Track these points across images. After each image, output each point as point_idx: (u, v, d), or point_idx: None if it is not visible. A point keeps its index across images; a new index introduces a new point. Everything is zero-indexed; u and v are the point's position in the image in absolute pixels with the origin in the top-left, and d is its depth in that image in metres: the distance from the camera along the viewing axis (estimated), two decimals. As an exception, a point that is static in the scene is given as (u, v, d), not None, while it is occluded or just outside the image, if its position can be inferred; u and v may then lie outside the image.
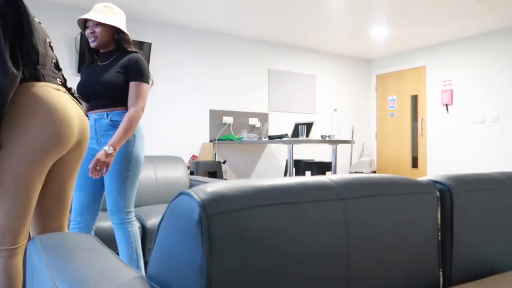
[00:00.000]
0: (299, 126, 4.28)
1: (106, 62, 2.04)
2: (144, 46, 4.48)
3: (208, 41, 5.12)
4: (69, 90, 1.44)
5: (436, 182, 1.00)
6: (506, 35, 5.07)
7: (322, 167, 4.90)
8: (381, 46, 5.89)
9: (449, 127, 5.66)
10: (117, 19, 2.03)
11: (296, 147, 5.81)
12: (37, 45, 1.31)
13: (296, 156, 5.87)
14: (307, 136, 4.28)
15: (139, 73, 1.99)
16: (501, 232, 1.07)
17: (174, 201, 0.70)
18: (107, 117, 1.98)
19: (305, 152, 5.94)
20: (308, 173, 5.01)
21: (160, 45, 4.75)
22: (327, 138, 4.14)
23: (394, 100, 6.42)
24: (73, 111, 1.36)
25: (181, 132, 4.91)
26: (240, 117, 5.32)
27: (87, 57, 2.12)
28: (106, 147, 1.84)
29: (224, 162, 5.03)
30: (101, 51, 2.09)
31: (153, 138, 4.71)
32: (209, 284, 0.62)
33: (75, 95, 1.46)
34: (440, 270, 0.95)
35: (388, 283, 0.84)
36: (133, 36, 4.55)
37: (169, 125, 4.81)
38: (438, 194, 0.95)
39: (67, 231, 1.55)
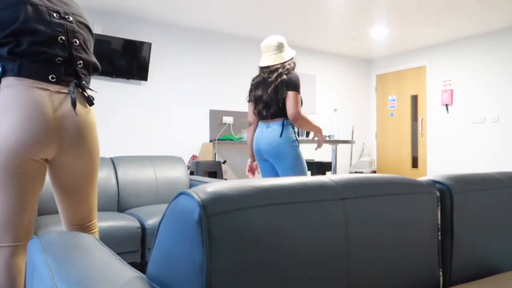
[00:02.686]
0: (299, 126, 4.27)
1: None
2: (144, 46, 4.48)
3: (208, 41, 5.12)
4: (79, 88, 1.45)
5: (436, 182, 1.00)
6: (506, 35, 5.07)
7: (322, 167, 4.90)
8: (381, 46, 5.89)
9: (449, 127, 5.66)
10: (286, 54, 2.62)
11: (296, 147, 5.81)
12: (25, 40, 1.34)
13: (296, 156, 5.86)
14: (307, 136, 4.28)
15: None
16: (501, 232, 1.07)
17: (174, 201, 0.70)
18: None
19: (305, 152, 5.94)
20: (308, 173, 5.01)
21: (160, 45, 4.75)
22: (327, 138, 4.14)
23: (394, 100, 6.42)
24: (44, 111, 1.33)
25: (181, 132, 4.91)
26: (240, 117, 5.32)
27: None
28: None
29: (224, 162, 5.03)
30: None
31: (153, 138, 4.71)
32: (209, 284, 0.62)
33: (87, 97, 1.47)
34: (440, 270, 0.95)
35: (388, 283, 0.84)
36: (133, 36, 4.56)
37: (169, 125, 4.81)
38: (438, 194, 0.95)
39: (95, 230, 1.61)
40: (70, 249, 0.97)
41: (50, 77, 1.35)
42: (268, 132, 2.58)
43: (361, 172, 6.00)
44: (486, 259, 1.04)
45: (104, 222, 2.47)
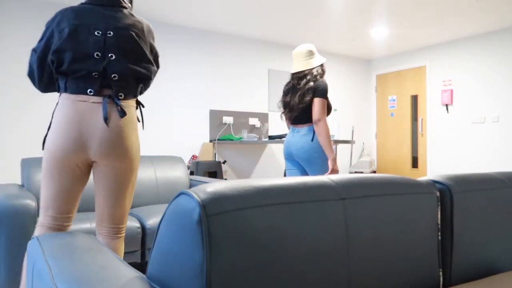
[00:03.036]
0: (299, 126, 4.28)
1: None
2: (144, 46, 4.48)
3: (208, 41, 5.12)
4: (114, 100, 1.58)
5: (436, 182, 1.00)
6: (506, 35, 5.07)
7: (322, 167, 4.89)
8: (381, 46, 5.89)
9: (449, 127, 5.66)
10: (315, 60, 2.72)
11: (296, 147, 5.81)
12: (67, 64, 1.55)
13: (296, 156, 5.86)
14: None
15: None
16: (501, 232, 1.07)
17: (174, 201, 0.70)
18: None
19: (305, 152, 5.94)
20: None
21: (160, 45, 4.75)
22: (327, 138, 4.14)
23: (394, 100, 6.42)
24: (86, 120, 1.55)
25: (181, 132, 4.91)
26: (240, 117, 5.32)
27: None
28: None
29: (224, 162, 5.03)
30: None
31: (153, 138, 4.71)
32: (209, 284, 0.62)
33: (118, 109, 1.58)
34: (440, 270, 0.95)
35: (388, 282, 0.84)
36: (133, 36, 4.55)
37: (169, 125, 4.81)
38: (438, 194, 0.95)
39: (121, 235, 1.71)
40: (70, 249, 0.97)
41: (88, 91, 1.52)
42: (299, 137, 2.68)
43: (361, 172, 6.00)
44: (486, 259, 1.04)
45: (104, 222, 2.47)
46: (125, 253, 2.50)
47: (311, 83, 2.62)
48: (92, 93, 1.52)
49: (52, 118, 1.57)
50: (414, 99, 6.16)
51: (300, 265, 0.71)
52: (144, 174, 3.10)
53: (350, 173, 3.90)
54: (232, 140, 4.83)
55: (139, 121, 1.72)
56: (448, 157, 5.67)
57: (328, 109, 2.69)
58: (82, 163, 1.56)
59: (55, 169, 1.54)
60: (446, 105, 5.67)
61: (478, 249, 1.02)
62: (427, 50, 5.95)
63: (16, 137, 3.90)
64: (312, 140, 2.62)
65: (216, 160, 4.91)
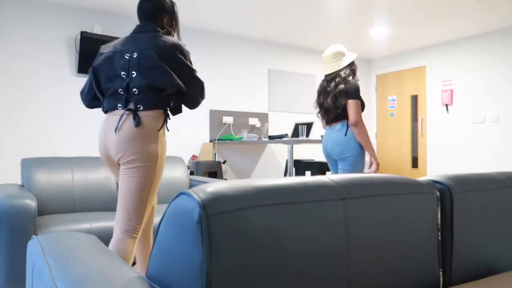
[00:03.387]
0: (299, 126, 4.28)
1: None
2: (144, 46, 4.48)
3: (208, 41, 5.12)
4: (133, 111, 1.78)
5: (436, 182, 1.00)
6: (506, 35, 5.07)
7: (322, 167, 4.90)
8: (381, 46, 5.89)
9: (449, 127, 5.66)
10: (343, 61, 2.81)
11: (296, 147, 5.81)
12: (102, 86, 1.86)
13: (296, 156, 5.86)
14: (307, 136, 4.28)
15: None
16: (501, 232, 1.07)
17: (174, 201, 0.70)
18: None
19: (305, 152, 5.94)
20: (308, 173, 5.01)
21: (160, 45, 4.75)
22: (327, 138, 4.14)
23: (394, 100, 6.42)
24: (106, 129, 1.82)
25: (181, 132, 4.90)
26: (240, 117, 5.32)
27: None
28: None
29: (224, 162, 5.03)
30: None
31: (153, 138, 4.70)
32: (209, 284, 0.62)
33: (136, 117, 1.77)
34: (440, 270, 0.95)
35: (388, 283, 0.84)
36: (133, 36, 4.55)
37: (169, 125, 4.81)
38: (438, 194, 0.95)
39: (135, 235, 1.80)
40: (70, 249, 0.97)
41: (118, 106, 1.78)
42: (334, 133, 2.81)
43: (361, 172, 5.99)
44: (486, 259, 1.04)
45: (104, 222, 2.47)
46: (125, 253, 2.49)
47: (342, 86, 2.72)
48: (120, 107, 1.77)
49: None
50: (414, 99, 6.16)
51: (300, 265, 0.71)
52: (144, 174, 3.09)
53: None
54: (232, 140, 4.83)
55: (168, 130, 1.94)
56: (448, 157, 5.67)
57: (362, 107, 2.78)
58: (114, 163, 1.87)
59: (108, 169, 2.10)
60: (446, 105, 5.67)
61: (478, 249, 1.02)
62: (427, 50, 5.95)
63: (16, 137, 3.90)
64: (346, 135, 2.73)
65: (216, 160, 4.91)
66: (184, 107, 5.00)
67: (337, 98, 2.72)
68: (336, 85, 2.73)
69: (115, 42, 1.87)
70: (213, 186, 0.68)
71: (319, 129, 6.10)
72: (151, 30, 1.83)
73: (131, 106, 1.75)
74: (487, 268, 1.04)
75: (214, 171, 4.48)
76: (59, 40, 4.14)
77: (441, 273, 0.95)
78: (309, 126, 4.35)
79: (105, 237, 2.42)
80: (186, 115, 4.94)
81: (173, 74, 1.77)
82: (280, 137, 4.45)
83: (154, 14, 1.87)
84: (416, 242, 0.89)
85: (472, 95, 5.40)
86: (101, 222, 2.46)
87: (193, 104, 1.90)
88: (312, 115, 6.03)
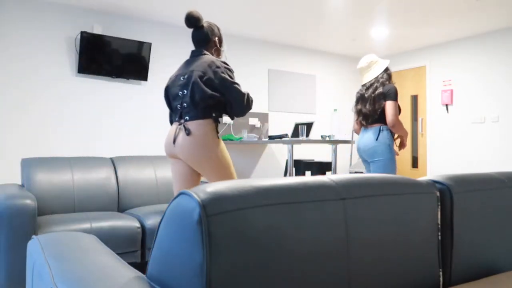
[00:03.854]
0: (299, 126, 4.28)
1: None
2: (144, 46, 4.48)
3: (208, 41, 5.12)
4: (182, 123, 2.23)
5: (436, 182, 1.00)
6: (506, 35, 5.07)
7: (322, 167, 4.89)
8: (381, 46, 5.89)
9: (449, 127, 5.66)
10: (375, 70, 3.05)
11: (296, 147, 5.81)
12: (170, 106, 2.38)
13: (296, 156, 5.86)
14: (307, 136, 4.28)
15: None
16: (501, 232, 1.07)
17: (174, 201, 0.70)
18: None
19: (305, 152, 5.94)
20: (308, 173, 5.01)
21: (160, 45, 4.75)
22: (327, 138, 4.14)
23: (394, 100, 6.42)
24: (166, 138, 2.31)
25: (181, 132, 4.90)
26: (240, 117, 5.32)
27: None
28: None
29: (224, 162, 5.02)
30: None
31: (153, 138, 4.71)
32: (209, 284, 0.62)
33: (184, 127, 2.22)
34: (440, 270, 0.95)
35: (388, 283, 0.84)
36: (133, 36, 4.56)
37: (169, 125, 4.81)
38: (438, 194, 0.95)
39: None
40: (70, 249, 0.97)
41: (177, 118, 2.25)
42: (367, 135, 3.03)
43: (361, 172, 5.99)
44: (486, 259, 1.04)
45: (104, 222, 2.47)
46: (125, 253, 2.49)
47: (380, 89, 2.95)
48: (177, 120, 2.25)
49: None
50: (414, 99, 6.16)
51: (300, 265, 0.71)
52: (144, 174, 3.10)
53: (350, 173, 3.90)
54: (232, 140, 4.83)
55: (218, 132, 2.27)
56: (448, 157, 5.67)
57: (399, 109, 2.98)
58: (176, 159, 2.32)
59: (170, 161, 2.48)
60: (446, 105, 5.67)
61: (478, 249, 1.02)
62: (427, 50, 5.95)
63: (16, 137, 3.90)
64: (377, 139, 2.95)
65: (216, 160, 4.90)
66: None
67: (376, 101, 2.94)
68: (375, 89, 2.97)
69: (178, 67, 2.41)
70: (213, 186, 0.68)
71: (319, 129, 6.11)
72: (200, 54, 2.27)
73: (183, 119, 2.21)
74: (487, 268, 1.04)
75: (214, 171, 4.47)
76: (59, 40, 4.14)
77: (441, 273, 0.95)
78: (309, 126, 4.35)
79: (105, 237, 2.42)
80: (186, 115, 4.94)
81: (205, 88, 2.14)
82: (280, 137, 4.45)
83: (204, 40, 2.31)
84: (416, 242, 0.89)
85: (472, 95, 5.40)
86: (101, 222, 2.46)
87: (236, 114, 2.25)
88: (312, 115, 6.04)
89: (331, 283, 0.75)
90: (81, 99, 4.26)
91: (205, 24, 2.31)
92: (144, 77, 4.54)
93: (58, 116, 4.13)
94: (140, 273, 0.79)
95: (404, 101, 6.26)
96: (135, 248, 2.51)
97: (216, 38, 2.35)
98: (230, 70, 2.21)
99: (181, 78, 2.22)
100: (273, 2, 4.15)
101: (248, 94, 2.22)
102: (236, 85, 2.17)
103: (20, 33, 3.95)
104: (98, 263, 0.85)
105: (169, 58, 4.81)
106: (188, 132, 2.15)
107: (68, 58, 4.19)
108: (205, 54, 2.26)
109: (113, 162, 3.09)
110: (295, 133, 4.60)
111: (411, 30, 5.13)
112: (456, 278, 0.98)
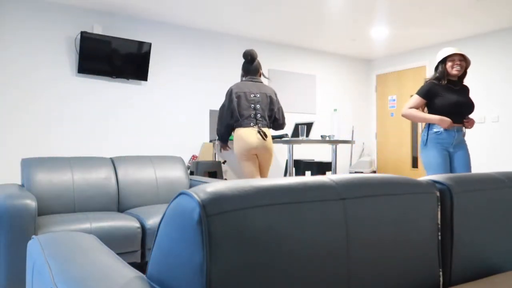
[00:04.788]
0: (299, 126, 4.28)
1: (458, 88, 2.98)
2: (144, 46, 4.48)
3: (208, 41, 5.12)
4: (259, 128, 3.33)
5: (436, 182, 1.00)
6: (506, 35, 5.07)
7: (322, 167, 4.89)
8: (381, 46, 5.89)
9: (449, 127, 5.65)
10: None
11: (296, 147, 5.81)
12: (238, 113, 3.32)
13: (296, 156, 5.86)
14: (307, 136, 4.28)
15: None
16: (501, 232, 1.07)
17: (174, 201, 0.70)
18: (463, 131, 2.97)
19: (305, 152, 5.94)
20: (308, 173, 5.01)
21: (160, 45, 4.75)
22: (327, 138, 4.14)
23: (394, 100, 6.42)
24: (251, 137, 3.28)
25: (181, 132, 4.90)
26: (240, 117, 5.31)
27: (445, 79, 2.97)
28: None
29: (224, 162, 5.02)
30: (449, 78, 2.99)
31: (153, 138, 4.71)
32: (209, 284, 0.62)
33: (260, 132, 3.31)
34: (440, 270, 0.95)
35: (388, 283, 0.84)
36: (133, 36, 4.56)
37: (169, 125, 4.81)
38: (438, 194, 0.95)
39: None
40: (70, 249, 0.97)
41: (251, 124, 3.31)
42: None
43: (361, 172, 5.99)
44: (486, 259, 1.04)
45: (104, 222, 2.47)
46: (125, 253, 2.49)
47: None
48: (253, 125, 3.31)
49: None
50: (414, 99, 6.16)
51: (300, 265, 0.71)
52: (144, 174, 3.10)
53: (350, 173, 3.90)
54: (232, 140, 4.82)
55: (272, 138, 3.43)
56: (448, 157, 5.66)
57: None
58: (253, 155, 3.36)
59: (247, 157, 3.35)
60: (446, 105, 5.67)
61: (478, 249, 1.02)
62: (427, 50, 5.95)
63: (16, 137, 3.90)
64: (425, 144, 3.00)
65: (216, 160, 4.90)
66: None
67: None
68: None
69: (235, 86, 3.36)
70: (213, 186, 0.68)
71: (319, 129, 6.10)
72: (258, 81, 3.44)
73: (257, 125, 3.29)
74: (487, 268, 1.04)
75: (214, 171, 4.48)
76: (59, 40, 4.14)
77: (441, 273, 0.95)
78: (309, 126, 4.35)
79: (105, 237, 2.42)
80: (186, 115, 4.94)
81: (272, 109, 3.42)
82: (280, 137, 4.45)
83: (257, 71, 3.47)
84: (416, 242, 0.89)
85: (472, 95, 5.39)
86: (101, 222, 2.46)
87: (280, 127, 3.51)
88: (312, 115, 6.03)
89: (331, 283, 0.75)
90: (81, 99, 4.26)
91: (257, 59, 3.44)
92: (144, 77, 4.54)
93: (58, 116, 4.13)
94: (140, 273, 0.79)
95: (404, 101, 6.26)
96: (135, 248, 2.51)
97: (261, 69, 3.53)
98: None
99: (252, 96, 3.31)
100: (274, 2, 4.14)
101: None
102: (282, 110, 3.49)
103: (20, 33, 3.95)
104: (98, 263, 0.85)
105: (169, 58, 4.81)
106: (263, 137, 3.27)
107: (68, 58, 4.19)
108: (262, 81, 3.46)
109: (113, 162, 3.09)
110: (295, 133, 4.60)
111: (411, 30, 5.13)
112: (456, 278, 0.98)
